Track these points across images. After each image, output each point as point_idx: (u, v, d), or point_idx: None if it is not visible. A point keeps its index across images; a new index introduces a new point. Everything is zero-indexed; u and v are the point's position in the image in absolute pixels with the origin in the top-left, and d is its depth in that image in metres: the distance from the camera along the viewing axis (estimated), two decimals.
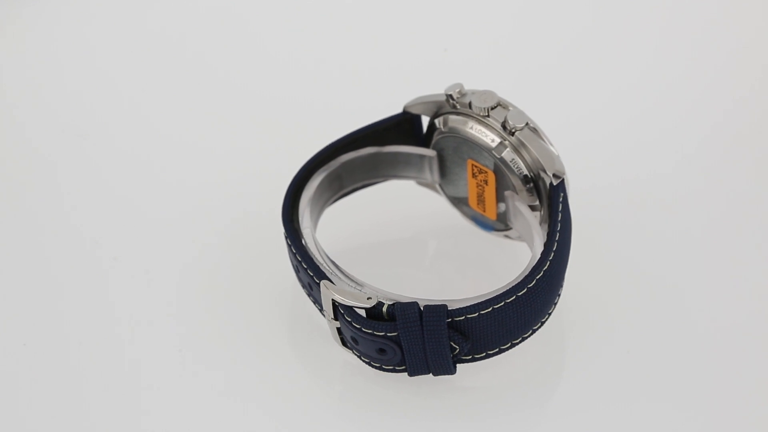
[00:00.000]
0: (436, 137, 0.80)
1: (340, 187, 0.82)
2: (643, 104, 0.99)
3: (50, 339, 0.77)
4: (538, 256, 0.71)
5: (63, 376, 0.75)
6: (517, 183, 0.76)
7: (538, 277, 0.70)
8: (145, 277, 0.82)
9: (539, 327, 0.73)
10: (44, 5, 1.08)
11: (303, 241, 0.75)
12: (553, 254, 0.71)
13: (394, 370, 0.71)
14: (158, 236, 0.86)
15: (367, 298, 0.69)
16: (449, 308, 0.69)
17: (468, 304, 0.69)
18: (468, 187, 0.80)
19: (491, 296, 0.69)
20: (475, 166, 0.78)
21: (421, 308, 0.68)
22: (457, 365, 0.72)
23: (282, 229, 0.76)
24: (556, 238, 0.72)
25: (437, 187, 0.83)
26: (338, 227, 0.83)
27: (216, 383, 0.74)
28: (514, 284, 0.69)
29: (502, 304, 0.69)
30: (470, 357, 0.71)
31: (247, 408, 0.73)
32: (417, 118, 0.81)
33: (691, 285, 0.80)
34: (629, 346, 0.76)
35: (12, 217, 0.88)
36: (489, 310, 0.69)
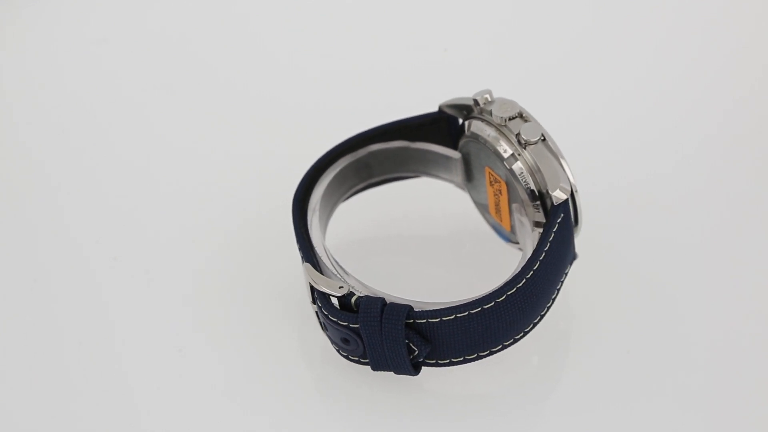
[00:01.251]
0: (462, 140, 0.79)
1: (369, 175, 0.82)
2: (643, 104, 0.98)
3: (49, 339, 0.78)
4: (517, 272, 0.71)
5: (62, 377, 0.76)
6: (525, 197, 0.75)
7: (509, 293, 0.69)
8: (145, 277, 0.83)
9: (512, 343, 0.72)
10: (43, 6, 1.09)
11: (308, 221, 0.76)
12: (532, 273, 0.70)
13: (359, 362, 0.72)
14: (158, 236, 0.87)
15: (339, 287, 0.70)
16: (415, 310, 0.69)
17: (434, 308, 0.69)
18: (487, 194, 0.80)
19: (458, 304, 0.69)
20: (491, 175, 0.78)
21: (387, 304, 0.69)
22: (423, 368, 0.72)
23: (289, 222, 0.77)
24: (540, 258, 0.71)
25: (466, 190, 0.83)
26: (370, 217, 0.85)
27: (217, 383, 0.75)
28: (483, 296, 0.69)
29: (466, 314, 0.69)
30: (434, 362, 0.71)
31: (248, 408, 0.74)
32: (453, 119, 0.81)
33: (691, 285, 0.81)
34: (629, 346, 0.76)
35: (12, 217, 0.89)
36: (452, 317, 0.69)
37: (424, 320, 0.69)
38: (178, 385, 0.75)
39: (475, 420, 0.73)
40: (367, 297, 0.70)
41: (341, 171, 0.80)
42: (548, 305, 0.73)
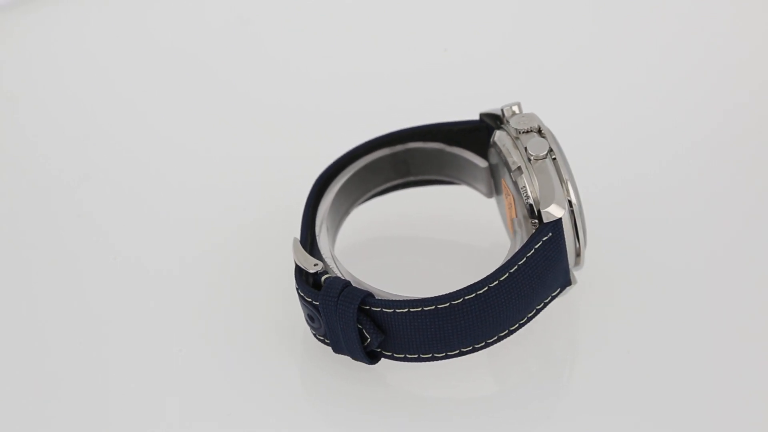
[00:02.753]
0: (489, 150, 0.79)
1: (407, 172, 0.83)
2: (643, 105, 0.98)
3: (49, 339, 0.78)
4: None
5: (62, 377, 0.76)
6: (524, 212, 0.74)
7: (466, 297, 0.69)
8: (145, 277, 0.83)
9: (471, 351, 0.71)
10: (46, 10, 1.10)
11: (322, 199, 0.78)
12: (496, 283, 0.69)
13: (323, 342, 0.73)
14: (158, 235, 0.87)
15: (314, 264, 0.72)
16: (375, 297, 0.70)
17: (392, 299, 0.70)
18: (505, 206, 0.79)
19: (414, 298, 0.69)
20: (506, 187, 0.77)
21: (348, 286, 0.70)
22: (380, 360, 0.72)
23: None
24: (511, 270, 0.70)
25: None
26: (406, 219, 0.85)
27: (217, 383, 0.75)
28: (442, 295, 0.69)
29: (420, 310, 0.69)
30: (390, 354, 0.72)
31: (249, 408, 0.74)
32: (491, 129, 0.80)
33: (691, 285, 0.80)
34: (629, 346, 0.75)
35: (12, 217, 0.90)
36: (405, 311, 0.69)
37: (379, 309, 0.70)
38: (177, 386, 0.75)
39: (473, 421, 0.72)
40: (334, 277, 0.71)
41: (376, 161, 0.81)
42: (521, 322, 0.72)
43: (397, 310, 0.69)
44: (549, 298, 0.73)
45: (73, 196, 0.92)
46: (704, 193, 0.89)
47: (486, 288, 0.69)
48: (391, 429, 0.73)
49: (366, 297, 0.70)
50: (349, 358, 0.73)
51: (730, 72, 1.01)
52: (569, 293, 0.75)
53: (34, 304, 0.82)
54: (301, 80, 1.03)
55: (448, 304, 0.69)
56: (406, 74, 1.01)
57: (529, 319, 0.73)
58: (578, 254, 0.74)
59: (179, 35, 1.08)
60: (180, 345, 0.78)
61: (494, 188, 0.81)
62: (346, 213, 0.82)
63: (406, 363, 0.72)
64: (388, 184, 0.83)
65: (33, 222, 0.89)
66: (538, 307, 0.73)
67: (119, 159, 0.95)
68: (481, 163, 0.81)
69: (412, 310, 0.69)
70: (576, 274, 0.75)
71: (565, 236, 0.72)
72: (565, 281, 0.74)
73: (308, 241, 0.76)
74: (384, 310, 0.69)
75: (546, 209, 0.71)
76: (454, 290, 0.69)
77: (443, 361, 0.72)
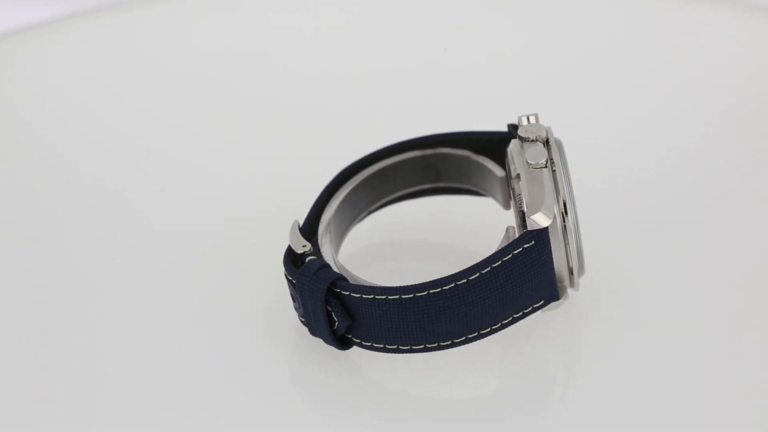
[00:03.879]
0: (505, 159, 0.79)
1: (437, 177, 0.83)
2: (642, 107, 0.99)
3: (48, 339, 0.78)
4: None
5: (62, 377, 0.75)
6: (518, 220, 0.73)
7: (432, 290, 0.69)
8: (146, 277, 0.83)
9: (436, 348, 0.71)
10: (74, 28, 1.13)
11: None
12: (465, 281, 0.69)
13: (303, 323, 0.74)
14: (159, 235, 0.88)
15: (302, 246, 0.73)
16: (348, 281, 0.70)
17: (362, 284, 0.70)
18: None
19: (382, 286, 0.70)
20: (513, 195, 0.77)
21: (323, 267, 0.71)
22: (352, 347, 0.72)
23: None
24: (482, 270, 0.69)
25: None
26: (424, 224, 0.85)
27: (218, 383, 0.75)
28: (409, 285, 0.69)
29: (384, 297, 0.69)
30: (359, 342, 0.72)
31: (249, 409, 0.74)
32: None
33: (691, 285, 0.79)
34: (629, 346, 0.75)
35: (13, 217, 0.90)
36: (370, 297, 0.70)
37: (348, 293, 0.70)
38: (178, 386, 0.75)
39: (472, 422, 0.72)
40: (315, 258, 0.72)
41: (406, 161, 0.81)
42: (493, 327, 0.71)
43: (364, 296, 0.70)
44: (530, 309, 0.72)
45: (72, 196, 0.93)
46: (706, 193, 0.89)
47: (453, 284, 0.69)
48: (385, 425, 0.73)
49: (337, 280, 0.70)
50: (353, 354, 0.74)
51: (730, 73, 1.02)
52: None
53: (31, 304, 0.82)
54: (300, 83, 1.04)
55: (412, 295, 0.69)
56: (406, 73, 1.02)
57: (504, 326, 0.72)
58: (571, 273, 0.72)
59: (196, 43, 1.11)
60: (170, 336, 0.79)
61: (508, 198, 0.81)
62: (366, 210, 0.82)
63: (376, 353, 0.72)
64: (417, 188, 0.83)
65: (32, 221, 0.90)
66: (516, 316, 0.72)
67: (119, 160, 0.97)
68: (499, 172, 0.80)
69: (377, 297, 0.69)
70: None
71: (554, 250, 0.71)
72: (551, 295, 0.72)
73: (310, 227, 0.77)
74: (352, 294, 0.70)
75: (531, 216, 0.70)
76: (424, 282, 0.69)
77: (421, 354, 0.71)
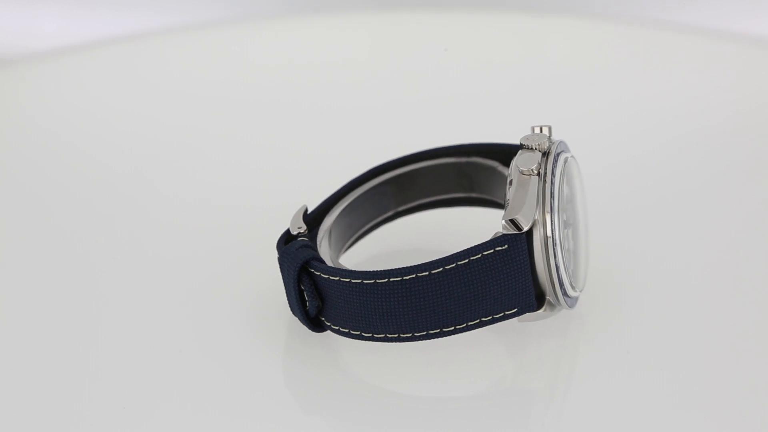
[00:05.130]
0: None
1: (470, 188, 0.82)
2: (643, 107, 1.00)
3: (47, 339, 0.78)
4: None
5: (61, 377, 0.74)
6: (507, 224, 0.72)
7: (392, 278, 0.68)
8: (145, 276, 0.83)
9: (396, 339, 0.70)
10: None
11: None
12: (426, 274, 0.68)
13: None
14: (159, 235, 0.88)
15: (298, 228, 0.74)
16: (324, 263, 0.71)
17: (331, 267, 0.71)
18: None
19: (351, 270, 0.70)
20: None
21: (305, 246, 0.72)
22: (325, 331, 0.73)
23: None
24: (447, 266, 0.68)
25: None
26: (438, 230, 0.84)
27: (219, 384, 0.74)
28: (372, 271, 0.69)
29: (348, 281, 0.69)
30: (329, 325, 0.72)
31: (250, 408, 0.73)
32: None
33: (691, 285, 0.79)
34: (629, 346, 0.74)
35: (13, 218, 0.91)
36: (336, 278, 0.70)
37: (319, 273, 0.71)
38: (178, 386, 0.74)
39: (469, 422, 0.71)
40: (303, 239, 0.73)
41: (441, 166, 0.81)
42: (458, 326, 0.70)
43: (331, 277, 0.70)
44: (501, 315, 0.70)
45: (73, 196, 0.95)
46: (706, 193, 0.90)
47: (413, 275, 0.68)
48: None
49: (312, 259, 0.71)
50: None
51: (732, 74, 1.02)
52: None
53: (31, 305, 0.81)
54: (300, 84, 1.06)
55: (373, 281, 0.69)
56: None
57: (470, 328, 0.70)
58: (555, 287, 0.70)
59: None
60: (181, 345, 0.78)
61: None
62: (394, 210, 0.82)
63: (343, 338, 0.72)
64: (450, 196, 0.82)
65: (32, 221, 0.91)
66: (484, 319, 0.70)
67: (122, 162, 0.99)
68: None
69: (342, 279, 0.69)
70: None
71: (538, 259, 0.69)
72: (526, 304, 0.70)
73: (319, 214, 0.77)
74: (322, 275, 0.70)
75: (505, 219, 0.68)
76: (386, 270, 0.69)
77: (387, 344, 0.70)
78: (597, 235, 0.79)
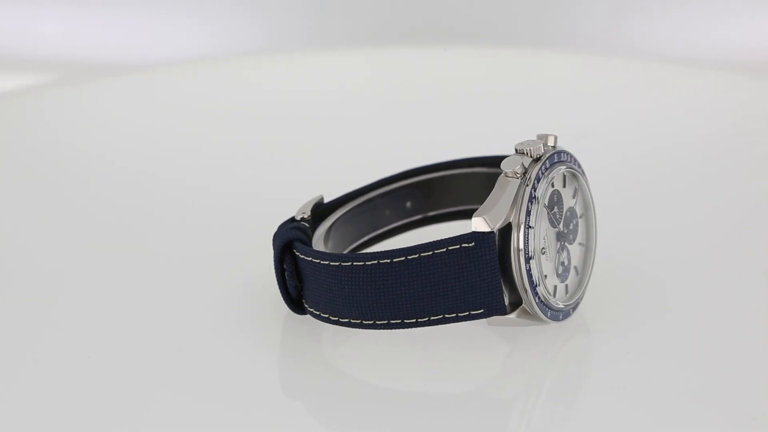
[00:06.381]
0: None
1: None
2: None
3: (47, 339, 0.79)
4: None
5: (61, 377, 0.75)
6: None
7: (355, 262, 0.68)
8: (145, 277, 0.84)
9: (360, 326, 0.70)
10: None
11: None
12: (388, 260, 0.68)
13: None
14: (159, 234, 0.88)
15: (302, 213, 0.76)
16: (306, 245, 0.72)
17: (311, 249, 0.72)
18: None
19: (325, 252, 0.71)
20: None
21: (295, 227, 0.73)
22: (306, 314, 0.73)
23: None
24: (411, 255, 0.68)
25: None
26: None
27: (219, 384, 0.74)
28: (341, 254, 0.70)
29: (318, 262, 0.70)
30: (307, 307, 0.73)
31: (250, 409, 0.73)
32: None
33: (691, 285, 0.78)
34: (629, 347, 0.73)
35: (14, 218, 0.92)
36: (309, 259, 0.71)
37: (300, 254, 0.72)
38: (178, 386, 0.74)
39: (467, 421, 0.70)
40: (298, 221, 0.74)
41: (472, 174, 0.81)
42: (420, 319, 0.69)
43: (306, 258, 0.71)
44: (466, 314, 0.69)
45: (75, 197, 0.96)
46: (706, 193, 0.90)
47: (376, 261, 0.68)
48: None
49: (296, 240, 0.72)
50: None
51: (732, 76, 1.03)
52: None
53: (31, 305, 0.82)
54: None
55: (338, 264, 0.69)
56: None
57: (433, 323, 0.69)
58: (527, 293, 0.69)
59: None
60: (181, 345, 0.78)
61: None
62: (423, 213, 0.82)
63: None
64: (467, 207, 0.82)
65: (33, 221, 0.92)
66: (448, 316, 0.69)
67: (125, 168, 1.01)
68: None
69: (314, 260, 0.70)
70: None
71: (513, 263, 0.68)
72: (494, 306, 0.69)
73: (331, 207, 0.78)
74: (300, 255, 0.71)
75: (475, 216, 0.68)
76: (353, 253, 0.70)
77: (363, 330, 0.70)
78: (600, 235, 0.78)
